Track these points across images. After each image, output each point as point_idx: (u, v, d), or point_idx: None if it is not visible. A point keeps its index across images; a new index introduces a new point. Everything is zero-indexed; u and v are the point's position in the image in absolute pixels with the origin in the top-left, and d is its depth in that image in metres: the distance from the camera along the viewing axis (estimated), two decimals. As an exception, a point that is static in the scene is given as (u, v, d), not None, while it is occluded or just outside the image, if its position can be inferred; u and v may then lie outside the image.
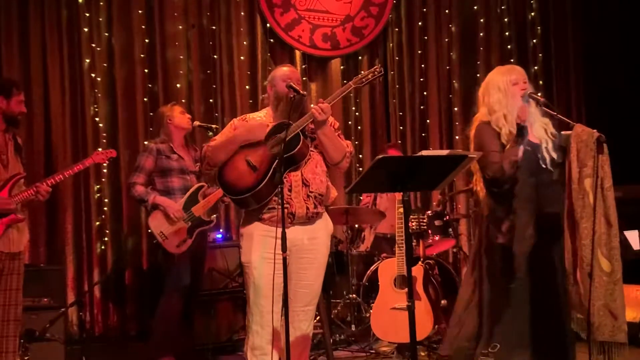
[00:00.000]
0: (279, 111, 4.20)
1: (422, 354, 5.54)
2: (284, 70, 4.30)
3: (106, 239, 7.02)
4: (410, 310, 3.67)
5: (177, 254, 5.63)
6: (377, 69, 4.16)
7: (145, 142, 6.00)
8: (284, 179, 4.05)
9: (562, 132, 4.15)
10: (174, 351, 5.70)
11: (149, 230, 5.84)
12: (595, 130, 3.91)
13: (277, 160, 3.97)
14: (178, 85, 7.35)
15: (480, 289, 4.36)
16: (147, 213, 5.82)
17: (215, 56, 7.52)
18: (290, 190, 4.10)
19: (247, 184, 4.07)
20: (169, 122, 5.83)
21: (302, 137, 4.08)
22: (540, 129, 4.26)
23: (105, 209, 7.05)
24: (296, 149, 4.05)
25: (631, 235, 6.68)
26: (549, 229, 4.19)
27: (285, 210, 4.03)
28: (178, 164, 5.77)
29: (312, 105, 4.10)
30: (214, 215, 5.91)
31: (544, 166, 4.19)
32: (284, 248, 3.77)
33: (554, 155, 4.20)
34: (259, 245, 4.10)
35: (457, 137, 8.34)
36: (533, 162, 4.19)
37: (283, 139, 3.91)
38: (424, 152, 3.90)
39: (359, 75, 4.20)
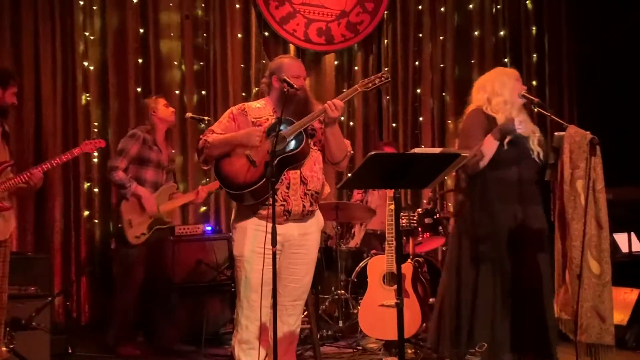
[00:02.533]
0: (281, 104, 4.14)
1: (409, 351, 5.53)
2: (292, 64, 4.25)
3: (94, 228, 6.98)
4: (399, 307, 3.67)
5: (133, 247, 5.75)
6: (385, 75, 4.10)
7: (133, 130, 6.00)
8: (282, 176, 4.04)
9: (555, 133, 4.16)
10: (135, 340, 5.87)
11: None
12: (588, 132, 3.92)
13: (277, 157, 3.94)
14: (171, 76, 7.31)
15: (459, 283, 4.41)
16: (118, 198, 5.89)
17: (208, 48, 7.48)
18: (288, 188, 4.07)
19: (247, 180, 4.04)
20: (153, 114, 5.91)
21: (305, 136, 4.05)
22: (530, 128, 4.36)
23: (95, 198, 7.01)
24: (299, 148, 4.02)
25: (620, 238, 6.70)
26: (529, 226, 4.25)
27: (282, 207, 4.02)
28: (156, 157, 5.88)
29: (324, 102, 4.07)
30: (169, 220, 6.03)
31: (533, 157, 4.29)
32: (274, 242, 3.75)
33: (540, 149, 4.30)
34: (252, 239, 4.08)
35: (449, 136, 8.35)
36: (518, 152, 4.26)
37: (277, 133, 3.87)
38: (417, 150, 3.88)
39: (366, 80, 4.14)
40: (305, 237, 4.22)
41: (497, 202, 4.33)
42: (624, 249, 6.69)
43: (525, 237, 4.25)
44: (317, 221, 4.32)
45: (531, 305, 4.23)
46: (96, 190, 7.03)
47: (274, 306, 3.85)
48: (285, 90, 4.04)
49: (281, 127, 3.96)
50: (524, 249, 4.25)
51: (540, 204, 4.35)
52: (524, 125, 4.20)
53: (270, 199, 3.95)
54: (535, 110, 4.35)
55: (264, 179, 3.97)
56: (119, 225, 5.82)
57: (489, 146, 4.24)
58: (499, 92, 4.37)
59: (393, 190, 3.83)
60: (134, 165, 5.82)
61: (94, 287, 6.94)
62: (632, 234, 6.75)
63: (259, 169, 4.00)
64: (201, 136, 4.27)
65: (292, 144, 4.00)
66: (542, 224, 4.32)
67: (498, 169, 4.30)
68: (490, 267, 4.29)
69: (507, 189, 4.31)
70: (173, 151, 6.23)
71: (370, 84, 4.11)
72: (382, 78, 4.11)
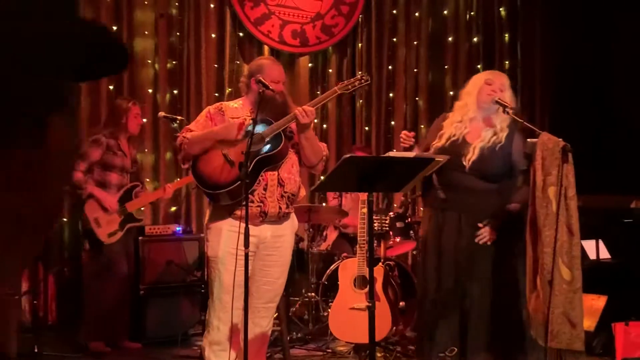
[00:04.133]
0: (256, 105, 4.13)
1: (379, 354, 5.54)
2: (273, 68, 4.23)
3: (63, 227, 6.91)
4: (371, 310, 3.67)
5: (108, 245, 5.76)
6: (364, 78, 4.12)
7: (96, 135, 5.90)
8: (260, 177, 4.03)
9: (528, 140, 4.20)
10: (106, 338, 5.83)
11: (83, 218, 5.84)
12: (561, 139, 3.95)
13: (255, 158, 3.94)
14: (144, 75, 7.26)
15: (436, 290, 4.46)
16: (80, 200, 5.85)
17: (182, 47, 7.44)
18: (265, 189, 4.07)
19: (224, 180, 4.03)
20: (125, 121, 5.87)
21: (283, 137, 4.04)
22: (489, 134, 4.37)
23: (63, 197, 6.91)
24: (277, 149, 4.02)
25: (588, 245, 6.76)
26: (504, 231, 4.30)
27: (258, 209, 4.02)
28: (121, 162, 5.88)
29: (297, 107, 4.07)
30: (140, 217, 6.04)
31: (462, 162, 4.30)
32: (246, 244, 3.74)
33: (473, 157, 4.30)
34: (227, 240, 4.07)
35: (421, 140, 8.36)
36: (453, 160, 4.26)
37: (252, 134, 3.85)
38: (391, 153, 3.90)
39: (345, 82, 4.17)
40: (280, 239, 4.23)
41: (438, 208, 4.43)
42: (592, 255, 6.75)
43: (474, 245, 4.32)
44: (292, 224, 4.34)
45: (500, 309, 4.30)
46: (65, 188, 6.94)
47: (245, 309, 3.82)
48: (260, 91, 4.03)
49: (259, 129, 3.96)
50: (481, 256, 4.31)
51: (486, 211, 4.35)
52: (405, 140, 4.27)
53: (245, 200, 3.95)
54: (509, 116, 4.35)
55: (238, 182, 3.97)
56: (87, 227, 5.80)
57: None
58: (462, 97, 4.51)
59: (367, 193, 3.82)
60: (99, 170, 5.82)
61: (62, 287, 6.87)
62: (600, 241, 6.80)
63: (235, 169, 3.98)
64: (178, 134, 4.25)
65: (270, 144, 4.00)
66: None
67: (440, 175, 4.38)
68: (448, 273, 4.36)
69: (448, 194, 4.39)
70: (134, 152, 6.18)
71: (350, 86, 4.12)
72: (362, 80, 4.12)
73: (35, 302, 5.89)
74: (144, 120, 7.10)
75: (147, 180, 6.32)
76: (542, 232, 3.86)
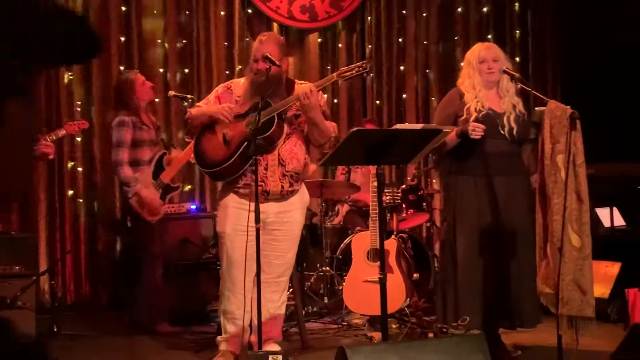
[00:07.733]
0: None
1: (394, 326, 5.58)
2: (255, 47, 4.27)
3: (79, 208, 6.97)
4: (382, 282, 3.70)
5: (154, 222, 5.64)
6: (364, 65, 4.15)
7: (118, 117, 5.64)
8: (260, 157, 4.08)
9: (536, 108, 4.22)
10: (165, 318, 5.75)
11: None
12: (568, 107, 3.95)
13: (248, 140, 4.04)
14: (154, 54, 7.27)
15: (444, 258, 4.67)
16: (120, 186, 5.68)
17: (192, 25, 7.43)
18: (266, 169, 4.15)
19: (218, 158, 4.15)
20: (135, 94, 5.68)
21: (276, 119, 4.09)
22: (509, 103, 4.53)
23: (79, 177, 6.99)
24: (269, 132, 4.08)
25: (603, 213, 6.76)
26: (505, 196, 4.46)
27: (260, 187, 4.08)
28: (149, 135, 5.72)
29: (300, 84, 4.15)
30: (177, 185, 5.91)
31: (502, 132, 4.47)
32: (257, 219, 3.79)
33: (514, 126, 4.47)
34: (233, 217, 4.17)
35: (433, 113, 8.35)
36: (488, 128, 4.40)
37: (258, 113, 3.90)
38: (398, 126, 3.91)
39: (344, 69, 4.22)
40: (286, 214, 4.30)
41: (460, 174, 4.55)
42: (606, 223, 6.75)
43: (496, 208, 4.44)
44: (301, 198, 4.39)
45: (500, 277, 4.43)
46: (80, 169, 7.00)
47: (258, 284, 3.85)
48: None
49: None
50: (494, 221, 4.44)
51: (518, 174, 4.57)
52: (478, 131, 4.35)
53: (250, 179, 4.04)
54: (517, 85, 4.44)
55: (233, 158, 4.08)
56: (133, 211, 5.60)
57: (451, 141, 4.46)
58: (465, 78, 4.61)
59: (376, 166, 3.85)
60: (129, 150, 5.61)
61: (80, 267, 6.95)
62: (615, 209, 6.80)
63: (229, 148, 4.12)
64: (188, 109, 4.44)
65: (262, 129, 4.03)
66: (519, 195, 4.51)
67: (462, 145, 4.46)
68: (460, 240, 4.50)
69: (471, 162, 4.50)
70: (154, 119, 6.01)
71: (347, 74, 4.15)
72: (360, 68, 4.14)
73: (52, 282, 5.93)
74: (156, 100, 7.10)
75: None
76: (552, 200, 3.86)
